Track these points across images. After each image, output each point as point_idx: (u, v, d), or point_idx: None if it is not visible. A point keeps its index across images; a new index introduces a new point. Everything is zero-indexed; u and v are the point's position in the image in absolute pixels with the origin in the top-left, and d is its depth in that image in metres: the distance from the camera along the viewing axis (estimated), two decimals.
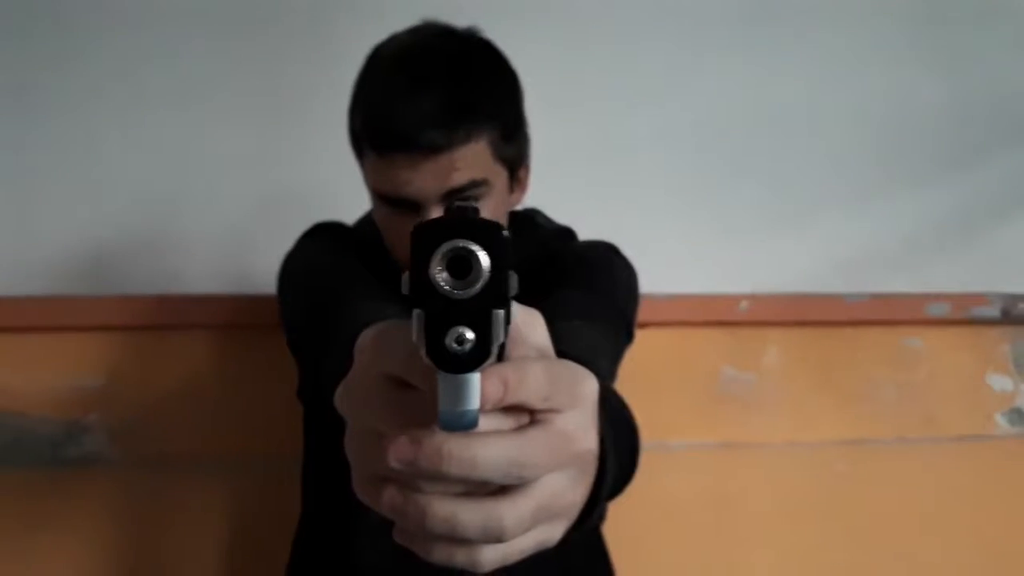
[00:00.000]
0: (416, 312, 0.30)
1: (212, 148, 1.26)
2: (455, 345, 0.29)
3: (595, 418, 0.38)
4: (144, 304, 1.21)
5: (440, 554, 0.35)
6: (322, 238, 0.97)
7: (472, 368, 0.30)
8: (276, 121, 1.27)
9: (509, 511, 0.34)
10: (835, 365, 1.33)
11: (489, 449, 0.33)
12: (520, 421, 0.35)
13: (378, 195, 0.86)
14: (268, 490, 1.20)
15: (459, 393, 0.32)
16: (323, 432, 0.96)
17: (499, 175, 0.87)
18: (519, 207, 1.00)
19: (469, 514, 0.34)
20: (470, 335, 0.29)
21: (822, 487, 1.32)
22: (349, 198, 1.00)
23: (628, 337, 0.94)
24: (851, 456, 1.32)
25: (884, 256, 1.35)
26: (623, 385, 1.23)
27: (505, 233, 0.29)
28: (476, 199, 0.84)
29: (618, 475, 0.48)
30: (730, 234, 1.33)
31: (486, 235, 0.29)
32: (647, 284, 1.25)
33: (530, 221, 1.01)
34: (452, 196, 0.83)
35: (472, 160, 0.82)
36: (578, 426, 0.36)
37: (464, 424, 0.33)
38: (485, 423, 0.34)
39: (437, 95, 0.80)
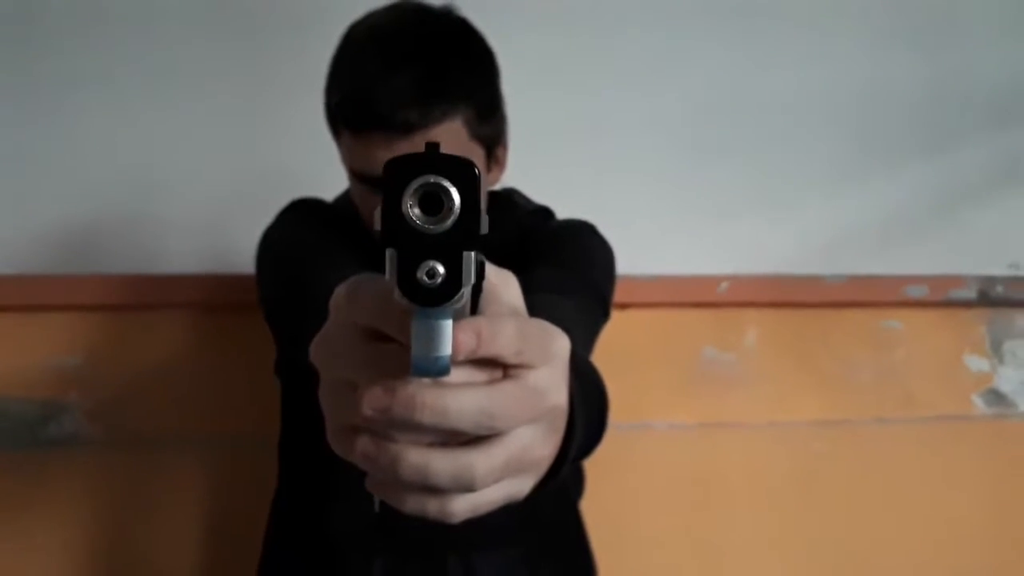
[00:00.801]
0: (389, 251, 0.30)
1: (190, 128, 1.25)
2: (426, 279, 0.30)
3: (566, 376, 0.39)
4: (122, 283, 1.21)
5: (412, 504, 0.36)
6: (300, 213, 0.96)
7: (443, 302, 0.30)
8: (254, 101, 1.26)
9: (480, 461, 0.34)
10: (814, 346, 1.34)
11: (461, 399, 0.33)
12: (493, 375, 0.35)
13: (354, 173, 0.86)
14: (246, 467, 1.20)
15: (432, 338, 0.32)
16: (299, 406, 0.96)
17: (476, 154, 0.87)
18: (498, 186, 1.00)
19: (441, 463, 0.34)
20: (441, 269, 0.30)
21: (801, 467, 1.33)
22: (326, 177, 1.00)
23: (604, 314, 0.94)
24: (829, 436, 1.33)
25: (863, 238, 1.36)
26: (604, 365, 1.23)
27: (477, 171, 0.30)
28: None
29: (586, 436, 0.49)
30: (711, 216, 1.33)
31: (458, 171, 0.29)
32: (628, 265, 1.26)
33: (508, 200, 1.02)
34: None
35: (448, 139, 0.82)
36: (550, 382, 0.36)
37: (436, 369, 0.33)
38: (458, 375, 0.34)
39: (412, 74, 0.80)
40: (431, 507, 0.36)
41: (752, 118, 1.34)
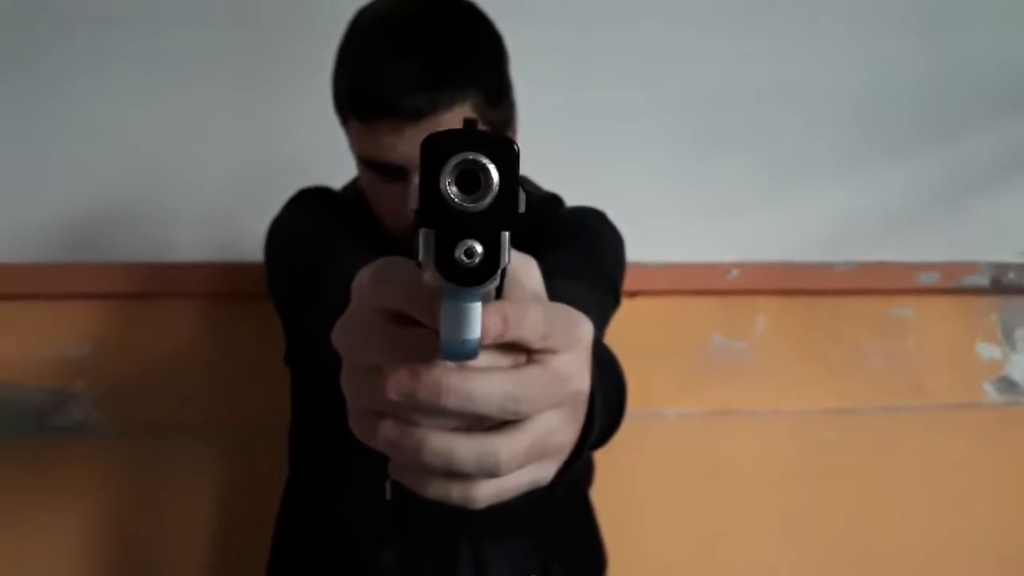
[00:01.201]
0: (423, 231, 0.29)
1: (197, 117, 1.24)
2: (464, 258, 0.29)
3: (588, 361, 0.38)
4: (130, 272, 1.20)
5: (436, 489, 0.35)
6: (308, 203, 0.96)
7: (481, 282, 0.29)
8: (260, 90, 1.25)
9: (505, 446, 0.34)
10: (824, 334, 1.33)
11: (487, 383, 0.33)
12: (518, 359, 0.35)
13: (363, 161, 0.85)
14: (255, 457, 1.20)
15: (461, 321, 0.32)
16: (309, 395, 0.96)
17: None
18: None
19: (465, 447, 0.34)
20: (479, 248, 0.29)
21: (811, 455, 1.32)
22: (333, 166, 0.99)
23: (615, 301, 0.93)
24: (839, 424, 1.33)
25: (872, 225, 1.35)
26: (616, 354, 1.24)
27: (517, 148, 0.29)
28: None
29: (606, 422, 0.49)
30: (720, 203, 1.32)
31: (497, 149, 0.29)
32: (637, 253, 1.25)
33: None
34: None
35: (457, 124, 0.81)
36: (573, 367, 0.36)
37: (465, 352, 0.33)
38: (483, 359, 0.34)
39: (420, 60, 0.79)
40: (455, 492, 0.35)
41: (760, 106, 1.33)
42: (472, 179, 0.29)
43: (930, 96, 1.37)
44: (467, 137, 0.29)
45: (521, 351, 0.35)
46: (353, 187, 0.96)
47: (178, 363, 1.22)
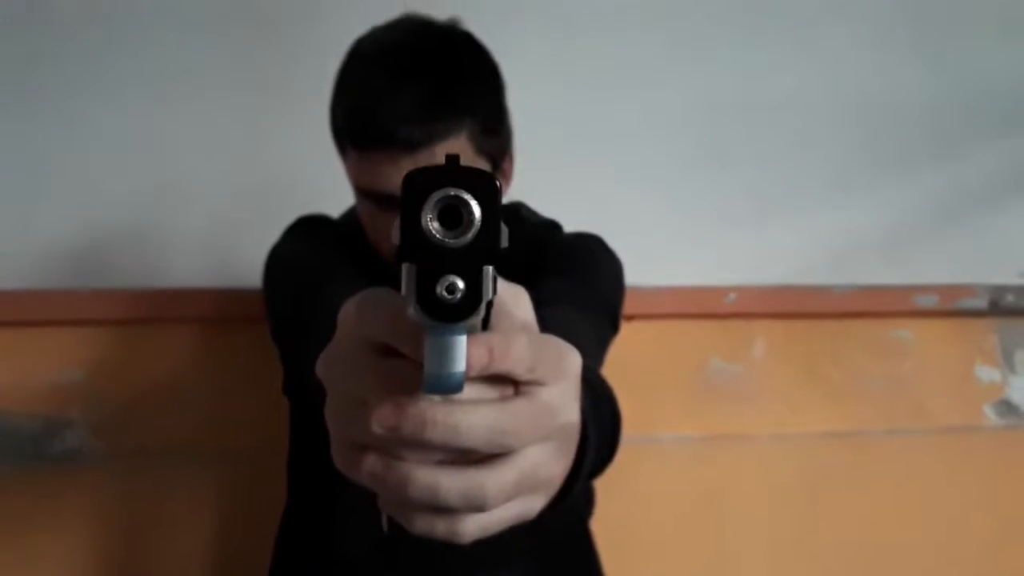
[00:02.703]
0: (406, 266, 0.29)
1: (195, 142, 1.24)
2: (446, 294, 0.29)
3: (578, 393, 0.38)
4: (126, 298, 1.20)
5: (422, 524, 0.35)
6: (305, 231, 0.96)
7: (462, 318, 0.29)
8: (259, 115, 1.26)
9: (491, 480, 0.34)
10: (823, 357, 1.33)
11: (472, 416, 0.33)
12: (504, 392, 0.35)
13: (360, 190, 0.86)
14: (252, 483, 1.19)
15: (445, 355, 0.32)
16: (307, 425, 0.96)
17: (482, 168, 0.86)
18: (504, 199, 0.99)
19: (451, 482, 0.33)
20: (461, 284, 0.29)
21: (809, 479, 1.32)
22: (332, 191, 0.99)
23: (613, 327, 0.93)
24: (838, 448, 1.32)
25: (871, 248, 1.35)
26: (611, 377, 1.23)
27: (498, 183, 0.29)
28: None
29: (598, 454, 0.48)
30: (717, 226, 1.32)
31: (478, 184, 0.29)
32: (634, 276, 1.24)
33: (515, 213, 1.01)
34: None
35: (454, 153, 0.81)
36: (561, 399, 0.36)
37: (450, 386, 0.32)
38: (469, 392, 0.33)
39: (416, 91, 0.80)
40: (440, 527, 0.35)
41: (758, 125, 1.33)
42: (453, 215, 0.29)
43: (929, 116, 1.37)
44: (448, 173, 0.29)
45: (508, 383, 0.35)
46: (351, 215, 0.96)
47: (174, 389, 1.21)
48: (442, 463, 0.34)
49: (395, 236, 0.29)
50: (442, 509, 0.34)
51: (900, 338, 1.35)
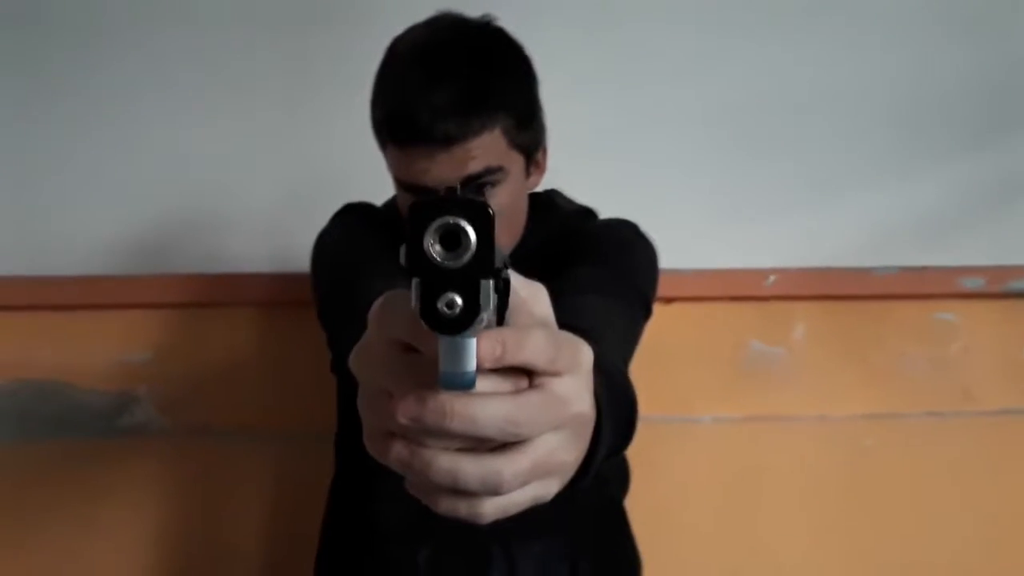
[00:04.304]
0: (414, 280, 0.33)
1: (250, 133, 1.29)
2: (446, 309, 0.32)
3: (590, 384, 0.41)
4: (188, 282, 1.27)
5: (445, 505, 0.38)
6: (351, 217, 1.01)
7: (461, 330, 0.33)
8: (312, 108, 1.30)
9: (507, 466, 0.37)
10: (864, 340, 1.33)
11: (488, 407, 0.36)
12: (519, 384, 0.37)
13: (399, 183, 0.90)
14: (305, 459, 1.25)
15: (457, 355, 0.35)
16: (350, 402, 1.00)
17: (515, 161, 0.89)
18: (540, 187, 1.02)
19: (470, 467, 0.36)
20: (459, 300, 0.32)
21: (850, 462, 1.32)
22: (377, 181, 1.03)
23: (646, 313, 0.95)
24: (880, 430, 1.32)
25: (914, 229, 1.33)
26: (650, 359, 1.25)
27: (491, 211, 0.33)
28: (493, 184, 0.87)
29: (613, 440, 0.51)
30: (758, 209, 1.32)
31: (474, 213, 0.32)
32: (674, 259, 1.26)
33: (550, 202, 1.04)
34: (469, 183, 0.86)
35: (487, 149, 0.85)
36: (574, 390, 0.38)
37: (462, 384, 0.36)
38: (485, 384, 0.36)
39: (451, 88, 0.83)
40: (462, 508, 0.38)
41: (797, 109, 1.33)
42: (453, 239, 0.32)
43: (972, 97, 1.34)
44: (448, 203, 0.33)
45: (523, 376, 0.37)
46: (392, 203, 1.00)
47: (233, 368, 1.28)
48: (462, 450, 0.37)
49: (402, 258, 0.33)
50: (462, 492, 0.37)
51: (944, 320, 1.34)
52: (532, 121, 0.91)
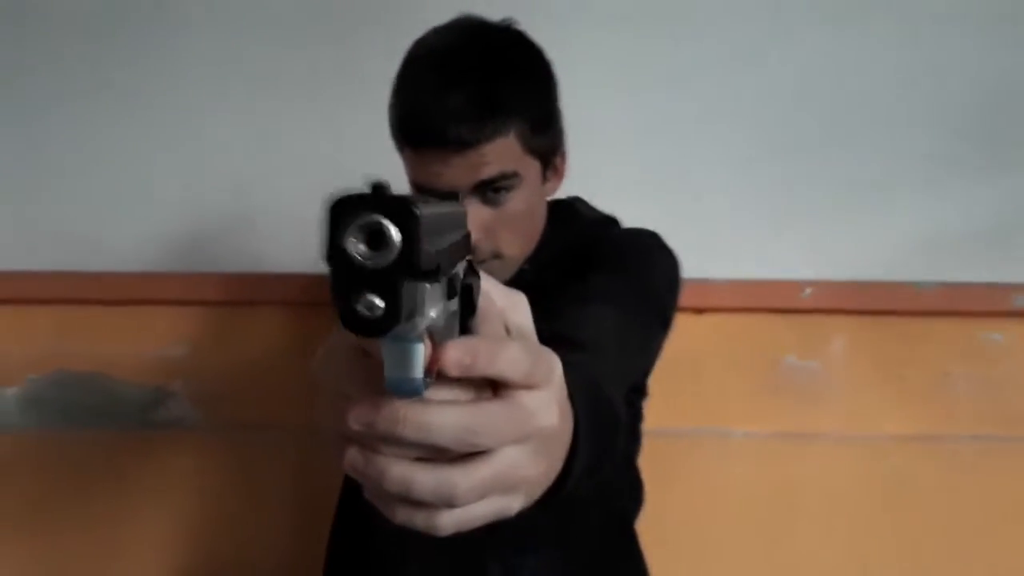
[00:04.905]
0: (333, 280, 0.31)
1: (287, 135, 1.32)
2: (365, 311, 0.31)
3: (561, 398, 0.40)
4: (224, 281, 1.30)
5: (401, 515, 0.37)
6: None
7: (381, 333, 0.31)
8: (349, 112, 1.32)
9: (463, 478, 0.36)
10: (905, 357, 1.27)
11: (444, 416, 0.35)
12: (482, 393, 0.37)
13: (415, 186, 0.90)
14: (331, 457, 1.27)
15: (399, 360, 0.35)
16: None
17: (530, 166, 0.88)
18: (562, 194, 1.01)
19: (424, 477, 0.36)
20: (380, 302, 0.31)
21: (886, 483, 1.27)
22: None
23: (664, 326, 0.93)
24: (918, 452, 1.27)
25: (963, 242, 1.27)
26: (680, 371, 1.24)
27: (417, 211, 0.31)
28: (508, 190, 0.87)
29: (593, 458, 0.49)
30: (794, 217, 1.28)
31: (398, 211, 0.31)
32: (706, 269, 1.24)
33: (571, 210, 1.02)
34: (483, 188, 0.85)
35: (501, 153, 0.84)
36: (541, 403, 0.38)
37: (409, 390, 0.35)
38: (446, 393, 0.36)
39: (466, 92, 0.82)
40: (418, 519, 0.37)
41: (840, 112, 1.28)
42: (376, 237, 0.31)
43: None
44: (371, 200, 0.31)
45: (487, 386, 0.37)
46: None
47: (266, 365, 1.31)
48: (420, 459, 0.36)
49: (322, 256, 0.32)
50: (417, 502, 0.36)
51: (991, 340, 1.27)
52: (549, 126, 0.90)
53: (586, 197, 1.04)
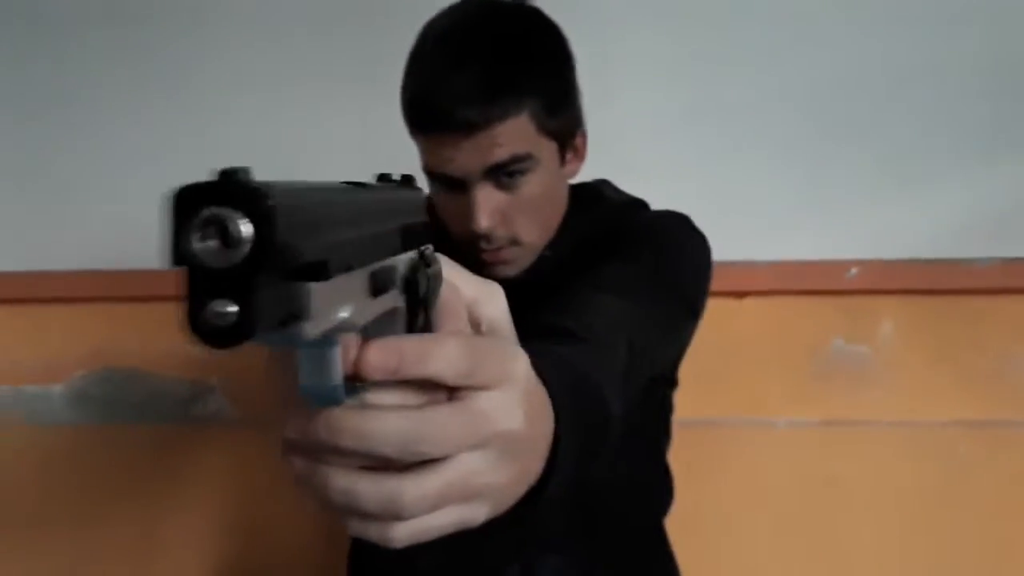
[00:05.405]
0: (183, 282, 0.28)
1: (319, 130, 1.31)
2: (215, 319, 0.27)
3: (525, 397, 0.37)
4: None
5: (354, 526, 0.35)
6: None
7: (235, 343, 0.27)
8: (378, 105, 1.30)
9: (411, 487, 0.33)
10: (960, 339, 1.20)
11: (383, 423, 0.33)
12: (435, 397, 0.34)
13: (427, 172, 0.88)
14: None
15: (314, 367, 0.32)
16: None
17: (545, 148, 0.85)
18: (588, 177, 0.97)
19: (368, 488, 0.33)
20: (231, 308, 0.27)
21: (943, 473, 1.20)
22: None
23: (690, 314, 0.89)
24: (978, 439, 1.19)
25: (1017, 216, 1.19)
26: (720, 358, 1.20)
27: (271, 200, 0.27)
28: (522, 173, 0.84)
29: (582, 457, 0.47)
30: (839, 195, 1.22)
31: (246, 200, 0.27)
32: (747, 250, 1.20)
33: (596, 193, 0.98)
34: (495, 172, 0.83)
35: (513, 135, 0.81)
36: (500, 405, 0.35)
37: (325, 399, 0.33)
38: (388, 397, 0.34)
39: (473, 73, 0.80)
40: (371, 532, 0.35)
41: (887, 82, 1.21)
42: (224, 233, 0.27)
43: None
44: (215, 190, 0.27)
45: (441, 388, 0.34)
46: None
47: None
48: (368, 468, 0.34)
49: (163, 256, 0.28)
50: (362, 514, 0.34)
51: None
52: (564, 105, 0.86)
53: (627, 181, 0.99)
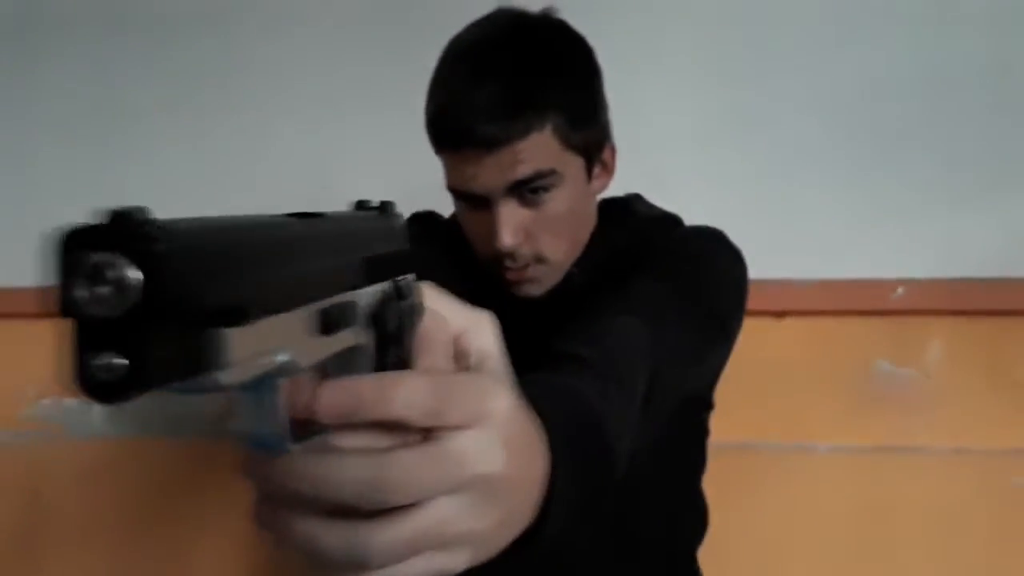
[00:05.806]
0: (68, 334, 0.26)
1: (358, 145, 1.31)
2: (102, 373, 0.25)
3: (509, 436, 0.35)
4: None
5: (325, 573, 0.33)
6: (415, 228, 0.98)
7: (125, 399, 0.25)
8: (411, 122, 1.30)
9: (376, 536, 0.31)
10: (1014, 360, 1.14)
11: (342, 469, 0.31)
12: (406, 440, 0.32)
13: (452, 191, 0.87)
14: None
15: (252, 413, 0.31)
16: None
17: (571, 163, 0.83)
18: (619, 191, 0.95)
19: (331, 536, 0.32)
20: (121, 361, 0.25)
21: (996, 503, 1.14)
22: None
23: (723, 333, 0.85)
24: None
25: None
26: (759, 381, 1.16)
27: (161, 246, 0.25)
28: (547, 189, 0.82)
29: (581, 495, 0.44)
30: (884, 209, 1.17)
31: (136, 245, 0.25)
32: (788, 268, 1.16)
33: (625, 208, 0.96)
34: (519, 188, 0.81)
35: (536, 151, 0.80)
36: (478, 445, 0.33)
37: (266, 446, 0.31)
38: (353, 440, 0.32)
39: (495, 88, 0.79)
40: None
41: (940, 101, 1.16)
42: (111, 281, 0.25)
43: None
44: (102, 233, 0.25)
45: (412, 431, 0.32)
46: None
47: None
48: (328, 515, 0.32)
49: (53, 305, 0.26)
50: (328, 563, 0.32)
51: None
52: (590, 119, 0.84)
53: (660, 195, 0.97)
